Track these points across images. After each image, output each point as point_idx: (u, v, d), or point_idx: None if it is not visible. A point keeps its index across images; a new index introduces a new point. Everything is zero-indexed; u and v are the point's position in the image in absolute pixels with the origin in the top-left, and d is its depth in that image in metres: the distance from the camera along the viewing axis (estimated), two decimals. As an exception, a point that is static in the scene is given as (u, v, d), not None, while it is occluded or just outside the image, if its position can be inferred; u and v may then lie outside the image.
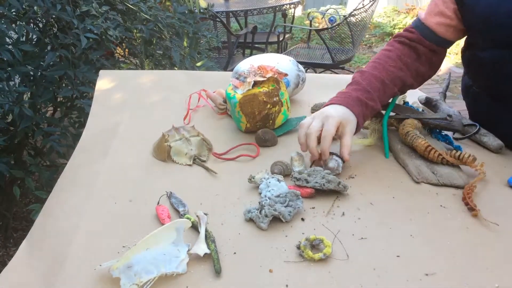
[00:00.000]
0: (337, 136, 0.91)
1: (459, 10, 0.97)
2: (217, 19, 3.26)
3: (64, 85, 1.75)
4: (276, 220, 0.76)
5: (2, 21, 1.53)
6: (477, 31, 0.97)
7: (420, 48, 1.02)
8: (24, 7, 1.61)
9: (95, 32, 1.64)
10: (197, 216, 0.76)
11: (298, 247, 0.69)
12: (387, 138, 1.02)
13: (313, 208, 0.81)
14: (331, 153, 0.91)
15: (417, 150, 0.95)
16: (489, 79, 1.00)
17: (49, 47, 1.80)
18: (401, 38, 1.04)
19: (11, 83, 1.56)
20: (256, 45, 3.92)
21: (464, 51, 1.08)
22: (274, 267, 0.67)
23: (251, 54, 3.72)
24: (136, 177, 0.92)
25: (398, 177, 0.91)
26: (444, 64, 4.73)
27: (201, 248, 0.68)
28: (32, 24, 1.82)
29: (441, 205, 0.82)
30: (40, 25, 1.86)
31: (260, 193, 0.84)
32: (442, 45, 1.03)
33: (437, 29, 1.01)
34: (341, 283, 0.64)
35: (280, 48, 4.02)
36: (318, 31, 3.48)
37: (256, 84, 1.06)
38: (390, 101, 1.04)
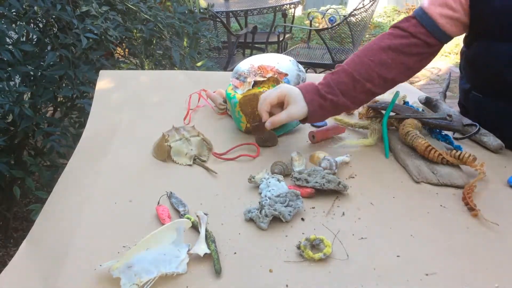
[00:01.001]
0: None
1: (470, 1, 0.94)
2: (217, 19, 3.26)
3: (64, 85, 1.75)
4: (276, 220, 0.76)
5: (2, 21, 1.53)
6: (497, 21, 0.93)
7: (412, 41, 0.97)
8: (24, 7, 1.61)
9: (95, 32, 1.64)
10: (197, 216, 0.76)
11: (298, 247, 0.69)
12: (387, 138, 1.02)
13: (313, 208, 0.81)
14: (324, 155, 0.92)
15: (417, 150, 0.95)
16: (502, 75, 0.97)
17: (49, 47, 1.80)
18: (395, 30, 1.00)
19: (11, 83, 1.55)
20: (256, 45, 3.92)
21: (469, 45, 1.05)
22: (274, 267, 0.67)
23: (251, 54, 3.72)
24: (136, 177, 0.92)
25: (398, 177, 0.91)
26: (444, 64, 4.74)
27: (201, 248, 0.68)
28: (32, 24, 1.82)
29: (441, 205, 0.82)
30: (40, 25, 1.86)
31: (260, 193, 0.84)
32: (439, 38, 0.98)
33: (439, 20, 0.96)
34: (341, 283, 0.64)
35: (280, 48, 4.02)
36: (318, 31, 3.48)
37: (256, 84, 1.06)
38: (390, 100, 1.04)
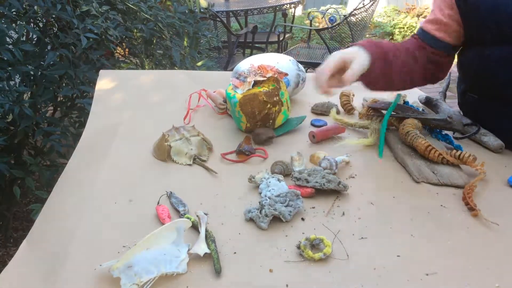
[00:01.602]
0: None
1: (460, 9, 0.97)
2: (217, 19, 3.26)
3: (64, 84, 1.75)
4: (276, 220, 0.76)
5: (3, 21, 1.53)
6: (485, 27, 0.95)
7: (417, 55, 1.03)
8: (24, 6, 1.61)
9: (95, 31, 1.64)
10: (197, 216, 0.76)
11: (298, 247, 0.69)
12: (383, 136, 1.01)
13: (313, 208, 0.81)
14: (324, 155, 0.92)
15: (417, 149, 0.95)
16: (496, 79, 0.98)
17: (49, 47, 1.80)
18: (403, 45, 1.04)
19: (12, 82, 1.55)
20: (256, 45, 3.91)
21: (462, 52, 1.07)
22: (274, 267, 0.67)
23: (251, 54, 3.72)
24: (136, 177, 0.92)
25: (398, 177, 0.91)
26: (444, 63, 4.72)
27: (201, 248, 0.68)
28: (32, 24, 1.82)
29: (441, 205, 0.82)
30: (41, 24, 1.86)
31: (260, 193, 0.84)
32: (445, 50, 1.04)
33: (437, 35, 1.03)
34: (341, 283, 0.64)
35: (280, 47, 4.02)
36: (318, 30, 3.48)
37: (256, 83, 1.06)
38: (390, 100, 1.03)
